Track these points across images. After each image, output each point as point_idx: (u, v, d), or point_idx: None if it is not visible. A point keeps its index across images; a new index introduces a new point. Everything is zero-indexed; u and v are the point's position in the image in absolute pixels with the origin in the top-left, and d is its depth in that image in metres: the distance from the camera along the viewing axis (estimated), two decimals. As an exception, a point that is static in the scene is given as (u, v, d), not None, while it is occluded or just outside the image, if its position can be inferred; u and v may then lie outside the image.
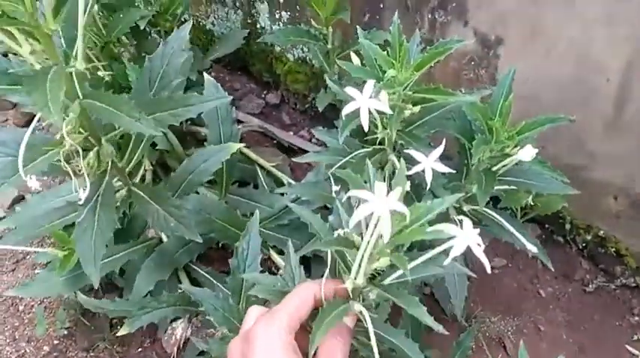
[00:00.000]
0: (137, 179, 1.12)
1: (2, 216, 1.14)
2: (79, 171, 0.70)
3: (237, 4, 1.47)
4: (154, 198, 0.79)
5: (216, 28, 1.59)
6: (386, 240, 0.38)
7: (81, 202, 0.67)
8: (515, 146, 0.77)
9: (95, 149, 0.70)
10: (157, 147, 1.10)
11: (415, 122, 0.81)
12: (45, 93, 0.48)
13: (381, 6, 1.14)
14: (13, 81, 0.59)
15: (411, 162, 0.74)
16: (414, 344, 0.54)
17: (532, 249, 0.77)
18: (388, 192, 0.38)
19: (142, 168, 1.13)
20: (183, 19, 1.66)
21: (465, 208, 0.89)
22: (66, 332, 0.94)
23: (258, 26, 1.45)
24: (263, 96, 1.55)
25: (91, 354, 0.93)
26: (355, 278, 0.45)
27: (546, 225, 1.18)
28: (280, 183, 1.21)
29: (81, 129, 0.68)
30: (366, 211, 0.37)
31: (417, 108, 0.74)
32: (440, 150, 0.71)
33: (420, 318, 0.44)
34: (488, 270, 0.41)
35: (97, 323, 0.95)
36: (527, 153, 0.71)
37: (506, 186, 0.84)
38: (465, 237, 0.39)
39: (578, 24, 0.89)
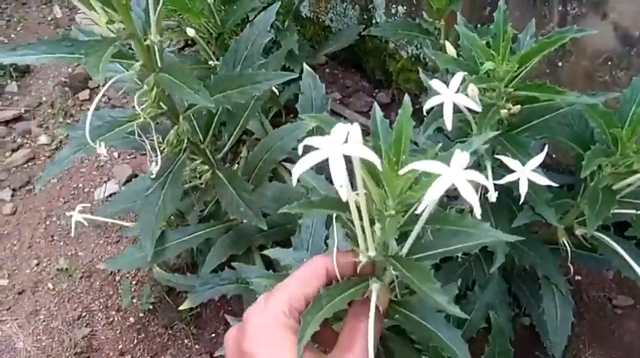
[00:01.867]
0: (235, 165, 1.14)
1: (117, 190, 1.24)
2: (159, 146, 0.72)
3: (355, -1, 1.43)
4: (231, 181, 0.79)
5: (334, 24, 1.57)
6: (338, 186, 0.30)
7: (152, 176, 0.69)
8: (646, 163, 0.63)
9: (175, 127, 0.71)
10: (254, 136, 1.10)
11: (520, 125, 0.70)
12: (101, 56, 0.49)
13: (504, -2, 1.02)
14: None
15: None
16: (456, 332, 0.43)
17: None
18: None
19: (240, 155, 1.15)
20: (304, 16, 1.68)
21: (578, 231, 0.75)
22: (150, 307, 0.99)
23: (373, 22, 1.40)
24: (374, 94, 1.50)
25: (169, 332, 0.96)
26: (367, 251, 0.38)
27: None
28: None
29: (161, 104, 0.69)
30: (315, 158, 0.30)
31: (516, 108, 0.63)
32: (540, 158, 0.60)
33: (431, 296, 0.34)
34: (477, 213, 0.31)
35: (178, 303, 0.98)
36: (657, 172, 0.57)
37: (632, 211, 0.69)
38: (450, 174, 0.30)
39: None
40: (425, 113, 0.62)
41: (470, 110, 0.62)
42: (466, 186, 0.30)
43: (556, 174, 0.80)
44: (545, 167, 0.86)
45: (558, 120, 0.69)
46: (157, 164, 0.68)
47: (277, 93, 1.14)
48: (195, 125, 0.80)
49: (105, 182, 1.27)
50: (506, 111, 0.64)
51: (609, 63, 0.89)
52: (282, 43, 1.16)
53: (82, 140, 0.62)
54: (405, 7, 1.28)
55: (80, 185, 1.26)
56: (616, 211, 0.70)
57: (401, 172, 0.31)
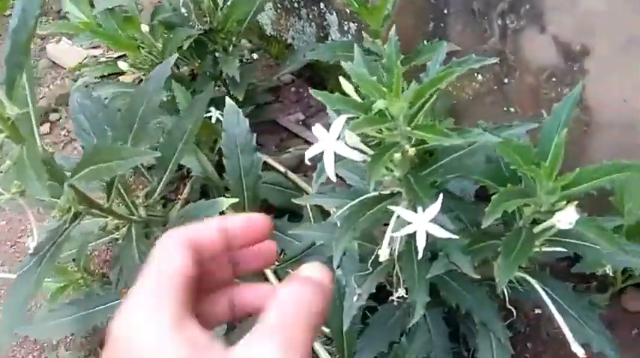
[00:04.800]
0: (175, 206, 1.10)
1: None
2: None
3: (310, 16, 1.38)
4: (139, 243, 0.74)
5: (296, 42, 1.52)
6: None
7: (30, 251, 0.64)
8: (568, 202, 0.56)
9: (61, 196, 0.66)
10: (191, 174, 1.06)
11: (432, 164, 0.64)
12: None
13: (445, 12, 0.95)
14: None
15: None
16: None
17: (577, 350, 0.54)
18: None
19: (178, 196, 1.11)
20: (268, 34, 1.63)
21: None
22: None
23: (329, 39, 1.34)
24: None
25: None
26: None
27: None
28: (328, 214, 1.09)
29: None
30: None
31: (412, 150, 0.57)
32: (436, 207, 0.54)
33: None
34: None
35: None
36: (566, 218, 0.50)
37: (559, 248, 0.62)
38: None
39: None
40: (307, 161, 0.56)
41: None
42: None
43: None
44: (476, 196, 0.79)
45: (472, 156, 0.62)
46: (33, 239, 0.63)
47: (213, 121, 1.09)
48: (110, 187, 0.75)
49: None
50: (407, 152, 0.58)
51: (553, 79, 0.82)
52: (224, 70, 1.11)
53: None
54: (356, 25, 1.23)
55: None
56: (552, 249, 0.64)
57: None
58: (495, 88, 0.92)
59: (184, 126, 0.89)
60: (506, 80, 0.90)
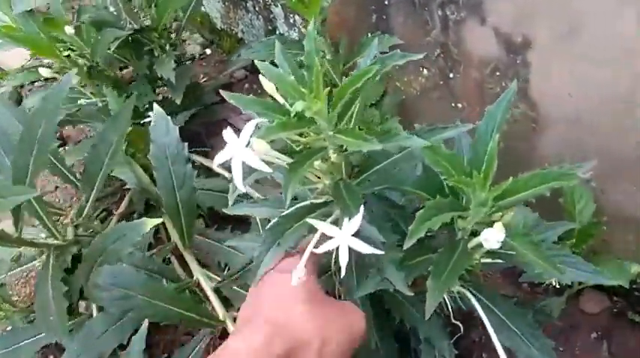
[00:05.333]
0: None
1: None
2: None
3: (257, 9, 1.31)
4: (55, 278, 0.67)
5: (246, 36, 1.45)
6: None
7: None
8: (503, 214, 0.51)
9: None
10: (126, 186, 0.99)
11: (366, 171, 0.58)
12: None
13: (386, 2, 0.89)
14: None
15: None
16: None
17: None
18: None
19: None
20: (219, 28, 1.55)
21: (453, 287, 0.63)
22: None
23: (277, 32, 1.28)
24: (290, 111, 1.38)
25: None
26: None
27: (615, 297, 0.84)
28: (277, 221, 1.03)
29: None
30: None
31: (334, 156, 0.51)
32: (357, 221, 0.48)
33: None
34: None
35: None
36: (493, 237, 0.45)
37: (498, 260, 0.58)
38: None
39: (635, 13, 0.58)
40: (215, 168, 0.50)
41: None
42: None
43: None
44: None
45: (406, 163, 0.57)
46: None
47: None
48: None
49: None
50: (334, 157, 0.52)
51: (497, 73, 0.77)
52: (158, 72, 1.04)
53: None
54: (301, 17, 1.16)
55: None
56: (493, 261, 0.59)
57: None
58: (441, 82, 0.87)
59: (110, 139, 0.82)
60: (451, 75, 0.85)
